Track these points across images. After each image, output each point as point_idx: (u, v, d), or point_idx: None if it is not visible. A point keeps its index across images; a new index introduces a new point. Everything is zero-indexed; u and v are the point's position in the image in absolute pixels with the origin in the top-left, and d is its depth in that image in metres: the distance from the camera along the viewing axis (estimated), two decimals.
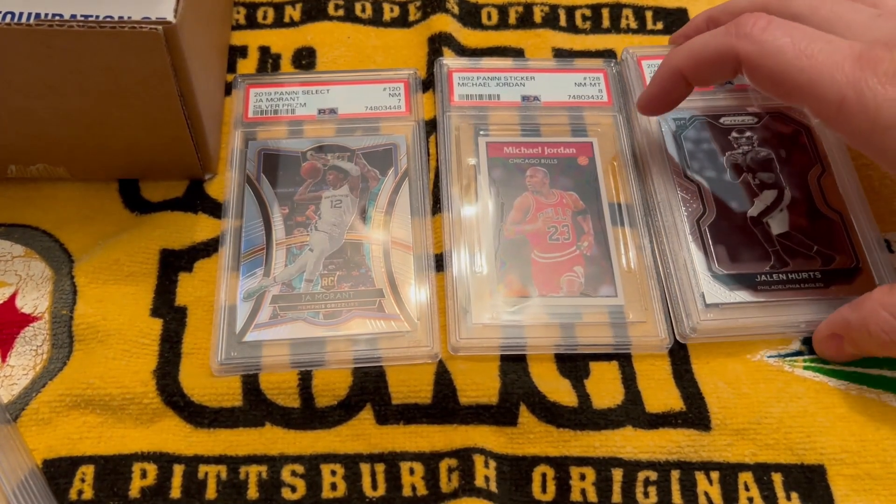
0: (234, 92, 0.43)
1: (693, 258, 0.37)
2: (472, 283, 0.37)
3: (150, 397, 0.34)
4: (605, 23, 0.48)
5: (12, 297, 0.37)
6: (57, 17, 0.32)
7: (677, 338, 0.36)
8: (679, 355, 0.36)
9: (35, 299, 0.37)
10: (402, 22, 0.47)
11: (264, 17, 0.47)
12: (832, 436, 0.34)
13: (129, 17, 0.33)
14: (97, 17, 0.33)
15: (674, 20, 0.47)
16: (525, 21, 0.47)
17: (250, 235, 0.38)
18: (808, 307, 0.36)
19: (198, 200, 0.40)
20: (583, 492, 0.33)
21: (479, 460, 0.33)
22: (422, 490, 0.33)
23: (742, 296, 0.36)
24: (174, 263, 0.38)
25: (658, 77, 0.37)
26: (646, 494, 0.33)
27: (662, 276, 0.37)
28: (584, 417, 0.34)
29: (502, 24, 0.47)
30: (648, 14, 0.48)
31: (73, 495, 0.32)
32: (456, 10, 0.47)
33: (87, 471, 0.33)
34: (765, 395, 0.35)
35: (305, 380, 0.35)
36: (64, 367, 0.35)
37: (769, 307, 0.36)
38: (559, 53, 0.46)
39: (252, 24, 0.47)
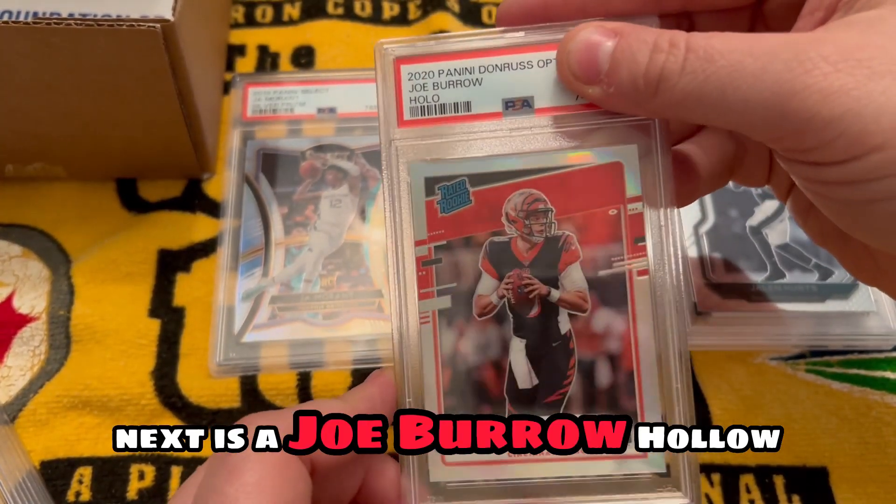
0: (233, 91, 0.43)
1: (689, 265, 0.37)
2: None
3: (147, 398, 0.34)
4: None
5: (9, 298, 0.37)
6: (55, 16, 0.32)
7: None
8: None
9: (32, 299, 0.37)
10: (401, 20, 0.47)
11: (263, 16, 0.47)
12: (835, 438, 0.33)
13: (128, 16, 0.33)
14: (95, 15, 0.33)
15: None
16: None
17: (249, 235, 0.38)
18: (802, 320, 0.35)
19: (196, 200, 0.40)
20: None
21: None
22: None
23: (734, 305, 0.36)
24: (172, 263, 0.38)
25: None
26: None
27: None
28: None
29: None
30: None
31: (70, 497, 0.32)
32: (456, 8, 0.47)
33: (85, 472, 0.32)
34: (767, 398, 0.34)
35: (304, 381, 0.34)
36: (61, 367, 0.35)
37: (761, 318, 0.35)
38: None
39: (251, 22, 0.47)
